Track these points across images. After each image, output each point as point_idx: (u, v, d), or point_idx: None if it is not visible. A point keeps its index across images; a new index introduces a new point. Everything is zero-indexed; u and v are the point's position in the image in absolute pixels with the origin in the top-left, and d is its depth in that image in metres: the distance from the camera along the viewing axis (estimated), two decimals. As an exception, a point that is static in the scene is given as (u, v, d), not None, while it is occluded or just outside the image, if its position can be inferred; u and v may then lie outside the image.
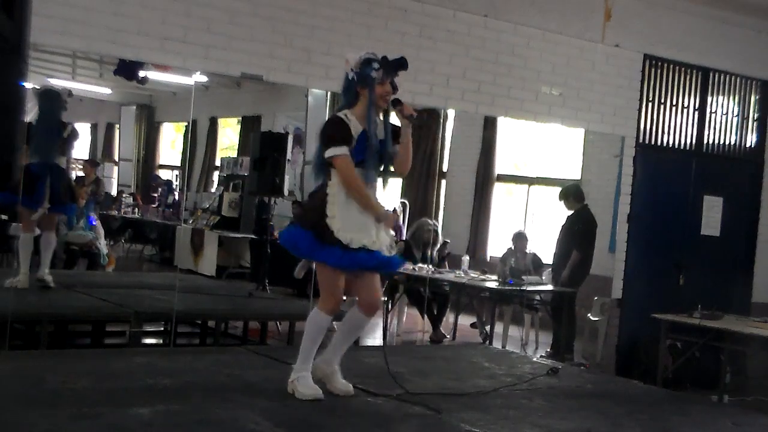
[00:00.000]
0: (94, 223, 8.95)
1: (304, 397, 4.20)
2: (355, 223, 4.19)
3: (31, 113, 6.78)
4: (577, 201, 9.19)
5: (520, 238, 9.61)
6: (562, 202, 9.25)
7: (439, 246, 9.78)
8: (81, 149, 11.11)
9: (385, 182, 4.48)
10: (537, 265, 9.55)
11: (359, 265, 4.24)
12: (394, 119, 4.42)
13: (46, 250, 7.00)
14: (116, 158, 12.76)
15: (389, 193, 5.03)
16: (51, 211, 6.96)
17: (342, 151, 4.19)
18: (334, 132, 4.25)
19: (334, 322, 5.05)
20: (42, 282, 6.84)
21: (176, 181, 12.33)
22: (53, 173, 6.78)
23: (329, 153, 4.20)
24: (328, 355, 4.41)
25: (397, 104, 4.33)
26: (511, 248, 9.59)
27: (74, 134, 7.06)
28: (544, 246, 9.92)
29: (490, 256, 11.80)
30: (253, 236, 11.16)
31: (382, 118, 4.35)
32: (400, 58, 4.31)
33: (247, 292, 8.20)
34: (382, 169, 4.36)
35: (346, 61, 4.31)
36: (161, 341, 7.34)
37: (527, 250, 9.59)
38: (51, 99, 6.81)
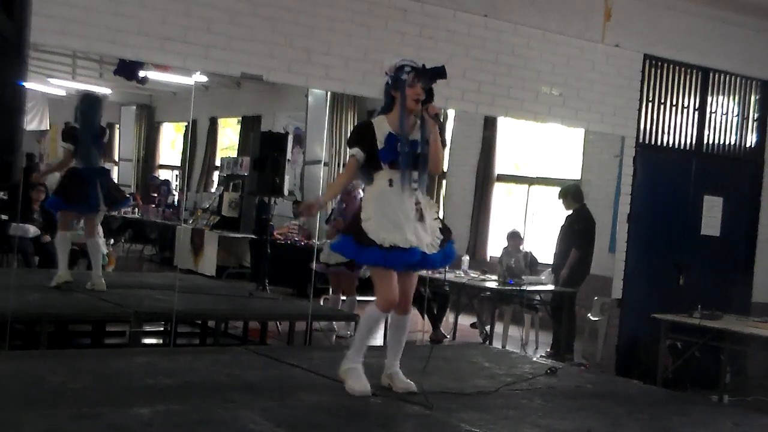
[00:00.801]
0: None
1: (352, 391, 4.30)
2: (389, 223, 4.31)
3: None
4: (576, 200, 9.19)
5: (514, 238, 9.60)
6: (561, 202, 9.25)
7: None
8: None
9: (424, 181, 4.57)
10: (532, 264, 9.54)
11: (401, 264, 4.34)
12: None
13: (95, 257, 7.12)
14: (116, 158, 12.75)
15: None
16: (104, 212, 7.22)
17: (352, 152, 4.48)
18: (352, 134, 4.64)
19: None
20: (94, 286, 6.98)
21: (176, 181, 12.34)
22: (102, 176, 6.96)
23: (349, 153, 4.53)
24: (387, 360, 4.60)
25: (424, 104, 4.46)
26: (506, 248, 9.59)
27: (108, 136, 7.24)
28: (544, 246, 9.92)
29: (490, 256, 11.80)
30: (253, 236, 11.16)
31: (419, 121, 4.46)
32: (440, 66, 4.49)
33: (247, 292, 8.21)
34: (419, 168, 4.45)
35: (384, 67, 4.50)
36: (161, 341, 7.34)
37: (522, 249, 9.59)
38: (92, 104, 6.98)
